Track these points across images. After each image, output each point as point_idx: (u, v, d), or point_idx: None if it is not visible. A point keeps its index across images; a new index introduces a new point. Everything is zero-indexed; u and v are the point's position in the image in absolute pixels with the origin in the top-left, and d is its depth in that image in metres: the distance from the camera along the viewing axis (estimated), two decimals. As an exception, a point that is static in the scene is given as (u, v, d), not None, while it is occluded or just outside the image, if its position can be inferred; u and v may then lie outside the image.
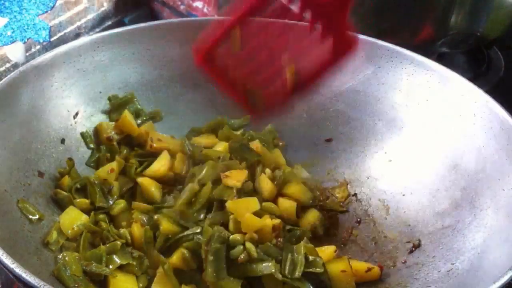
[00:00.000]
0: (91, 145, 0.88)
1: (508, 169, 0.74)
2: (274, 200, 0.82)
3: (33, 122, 0.82)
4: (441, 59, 1.07)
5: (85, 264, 0.71)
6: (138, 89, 0.94)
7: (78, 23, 1.20)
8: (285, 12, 0.65)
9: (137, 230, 0.77)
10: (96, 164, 0.87)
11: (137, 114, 0.93)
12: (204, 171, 0.80)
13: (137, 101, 0.93)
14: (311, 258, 0.73)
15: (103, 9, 1.25)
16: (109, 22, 1.26)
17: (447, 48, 1.10)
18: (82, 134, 0.88)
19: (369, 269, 0.77)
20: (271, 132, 0.94)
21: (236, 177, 0.79)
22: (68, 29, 1.18)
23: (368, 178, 0.90)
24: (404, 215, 0.84)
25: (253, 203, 0.76)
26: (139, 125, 0.90)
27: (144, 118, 0.93)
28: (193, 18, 1.22)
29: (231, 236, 0.71)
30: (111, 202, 0.81)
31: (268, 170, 0.84)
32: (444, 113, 0.84)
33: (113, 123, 0.90)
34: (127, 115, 0.88)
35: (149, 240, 0.76)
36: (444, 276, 0.72)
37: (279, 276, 0.70)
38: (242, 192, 0.78)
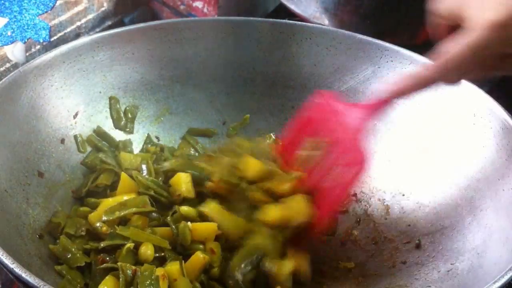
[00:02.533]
0: (82, 149, 0.87)
1: (508, 169, 0.74)
2: None
3: (33, 122, 0.82)
4: (441, 59, 1.07)
5: None
6: (138, 89, 0.94)
7: (78, 23, 1.20)
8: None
9: None
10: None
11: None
12: None
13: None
14: None
15: (103, 9, 1.25)
16: (109, 22, 1.26)
17: (447, 48, 1.10)
18: (75, 137, 0.87)
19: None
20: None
21: None
22: (68, 29, 1.17)
23: (368, 178, 0.90)
24: (404, 215, 0.84)
25: None
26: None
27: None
28: (193, 18, 1.22)
29: None
30: None
31: None
32: (444, 113, 0.84)
33: None
34: None
35: None
36: (444, 276, 0.72)
37: None
38: None
